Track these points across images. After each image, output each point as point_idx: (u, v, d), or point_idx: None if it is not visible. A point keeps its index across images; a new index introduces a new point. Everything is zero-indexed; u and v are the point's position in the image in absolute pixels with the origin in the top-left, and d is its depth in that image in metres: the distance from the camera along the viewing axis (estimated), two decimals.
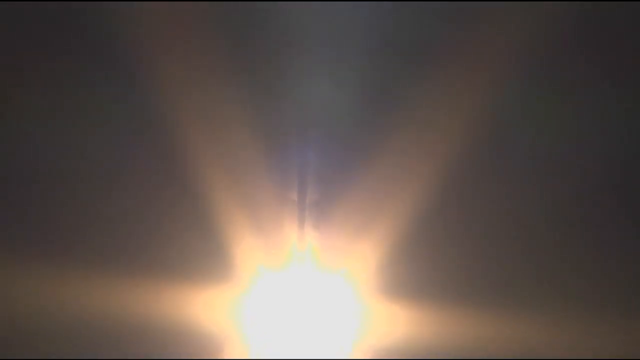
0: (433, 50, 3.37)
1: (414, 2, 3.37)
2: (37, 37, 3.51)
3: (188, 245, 3.39)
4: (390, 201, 3.31)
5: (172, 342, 3.37)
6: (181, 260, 3.39)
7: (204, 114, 3.39)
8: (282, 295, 3.34)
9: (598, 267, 3.44)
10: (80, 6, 3.46)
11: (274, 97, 3.42)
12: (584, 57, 3.43)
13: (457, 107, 3.33)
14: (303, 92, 3.41)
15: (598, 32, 3.42)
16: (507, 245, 3.41)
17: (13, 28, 3.49)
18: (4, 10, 3.51)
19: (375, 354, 3.33)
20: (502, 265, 3.41)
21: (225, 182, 3.36)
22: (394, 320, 3.30)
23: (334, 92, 3.41)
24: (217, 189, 3.36)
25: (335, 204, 3.36)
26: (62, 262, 3.44)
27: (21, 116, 3.51)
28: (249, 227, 3.35)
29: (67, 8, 3.47)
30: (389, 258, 3.31)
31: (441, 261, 3.35)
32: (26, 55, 3.50)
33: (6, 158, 3.51)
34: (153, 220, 3.45)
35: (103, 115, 3.49)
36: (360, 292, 3.34)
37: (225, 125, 3.39)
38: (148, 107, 3.42)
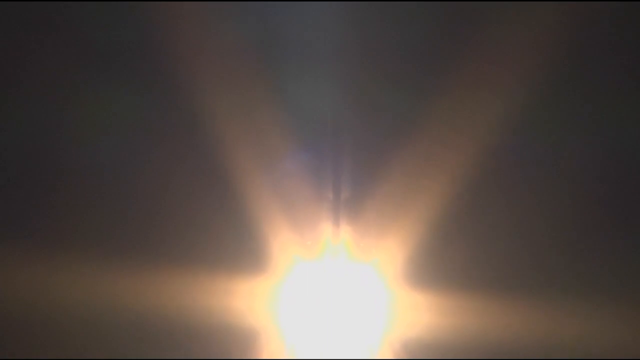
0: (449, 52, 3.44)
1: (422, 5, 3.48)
2: (62, 35, 3.56)
3: (226, 238, 3.45)
4: (418, 197, 3.38)
5: (208, 332, 3.43)
6: (219, 252, 3.45)
7: (241, 114, 3.47)
8: (317, 285, 3.44)
9: (624, 260, 3.46)
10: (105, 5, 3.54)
11: (308, 102, 3.52)
12: (599, 64, 3.48)
13: (479, 106, 3.40)
14: (336, 96, 3.52)
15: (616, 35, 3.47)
16: (533, 237, 3.45)
17: (37, 27, 3.56)
18: (27, 6, 3.57)
19: (403, 342, 3.41)
20: (530, 256, 3.45)
21: (263, 179, 3.45)
22: (421, 309, 3.39)
23: (365, 95, 3.51)
24: (255, 185, 3.44)
25: (367, 201, 3.45)
26: (99, 254, 3.46)
27: (55, 113, 3.57)
28: (286, 222, 3.44)
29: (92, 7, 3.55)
30: (416, 251, 3.39)
31: (468, 253, 3.41)
32: (53, 53, 3.55)
33: (40, 152, 3.56)
34: (190, 214, 3.50)
35: (143, 116, 3.56)
36: (390, 282, 3.43)
37: (262, 126, 3.48)
38: (187, 107, 3.47)
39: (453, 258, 3.42)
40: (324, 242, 3.48)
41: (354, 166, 3.50)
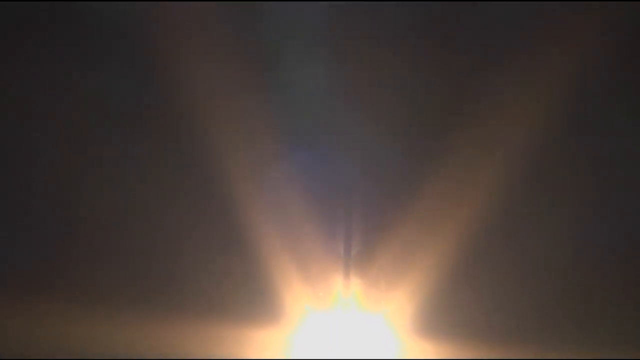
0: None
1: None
2: (63, 39, 3.62)
3: (239, 289, 3.52)
4: (425, 251, 3.48)
5: None
6: (232, 303, 3.52)
7: (256, 171, 3.58)
8: (328, 335, 3.52)
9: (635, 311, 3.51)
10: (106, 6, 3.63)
11: (319, 164, 3.64)
12: (600, 113, 3.58)
13: (491, 156, 3.50)
14: (346, 159, 3.65)
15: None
16: (540, 288, 3.52)
17: (44, 28, 3.63)
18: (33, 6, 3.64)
19: None
20: (537, 308, 3.50)
21: (276, 233, 3.54)
22: (430, 358, 3.46)
23: (374, 158, 3.63)
24: (268, 238, 3.53)
25: (376, 256, 3.55)
26: (111, 307, 3.50)
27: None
28: (298, 275, 3.53)
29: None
30: (424, 302, 3.48)
31: (475, 304, 3.49)
32: (53, 57, 3.61)
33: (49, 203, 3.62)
34: (204, 265, 3.56)
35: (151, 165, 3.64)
36: (399, 332, 3.51)
37: (277, 183, 3.60)
38: (201, 162, 3.56)
39: (460, 308, 3.50)
40: (335, 294, 3.57)
41: (363, 223, 3.61)
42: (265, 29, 3.68)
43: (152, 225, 3.59)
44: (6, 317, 3.47)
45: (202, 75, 3.59)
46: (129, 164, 3.63)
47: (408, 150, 3.61)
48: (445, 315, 3.50)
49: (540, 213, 3.59)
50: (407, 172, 3.59)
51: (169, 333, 3.48)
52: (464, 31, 3.62)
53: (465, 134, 3.54)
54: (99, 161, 3.64)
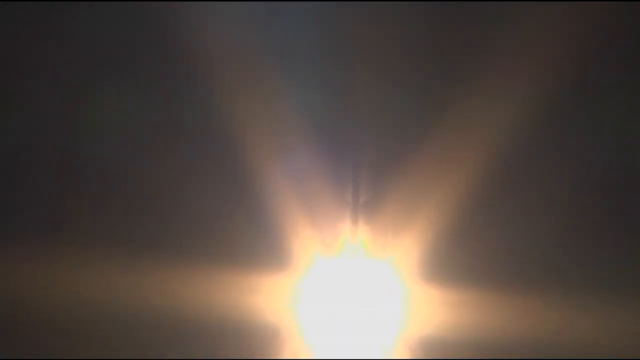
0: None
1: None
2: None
3: (247, 236, 3.55)
4: (431, 198, 3.51)
5: (229, 329, 3.51)
6: (240, 250, 3.54)
7: (263, 117, 3.59)
8: (335, 281, 3.57)
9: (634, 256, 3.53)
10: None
11: (327, 110, 3.66)
12: (606, 70, 3.59)
13: (496, 102, 3.51)
14: (355, 105, 3.67)
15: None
16: (546, 233, 3.55)
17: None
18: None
19: (419, 336, 3.52)
20: (543, 253, 3.54)
21: (284, 181, 3.57)
22: (436, 304, 3.50)
23: (382, 104, 3.64)
24: (276, 186, 3.56)
25: (383, 202, 3.59)
26: (120, 253, 3.52)
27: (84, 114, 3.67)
28: (306, 221, 3.56)
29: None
30: (431, 248, 3.51)
31: (481, 250, 3.51)
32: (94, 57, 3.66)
33: (55, 147, 3.64)
34: (211, 212, 3.59)
35: (169, 114, 3.66)
36: (406, 278, 3.55)
37: (284, 132, 3.62)
38: (208, 108, 3.59)
39: (466, 254, 3.53)
40: (342, 240, 3.61)
41: (370, 170, 3.65)
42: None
43: (159, 170, 3.63)
44: (14, 264, 3.51)
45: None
46: (131, 108, 3.66)
47: (414, 99, 3.62)
48: (451, 261, 3.53)
49: (544, 157, 3.61)
50: (414, 120, 3.61)
51: (176, 278, 3.52)
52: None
53: (470, 82, 3.55)
54: (102, 105, 3.67)
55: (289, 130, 3.62)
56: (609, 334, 3.44)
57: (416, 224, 3.55)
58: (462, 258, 3.54)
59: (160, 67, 3.66)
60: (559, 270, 3.54)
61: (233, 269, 3.54)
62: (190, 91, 3.63)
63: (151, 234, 3.58)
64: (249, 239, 3.58)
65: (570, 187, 3.60)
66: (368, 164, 3.65)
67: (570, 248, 3.56)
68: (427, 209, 3.54)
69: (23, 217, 3.62)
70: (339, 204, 3.63)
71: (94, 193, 3.62)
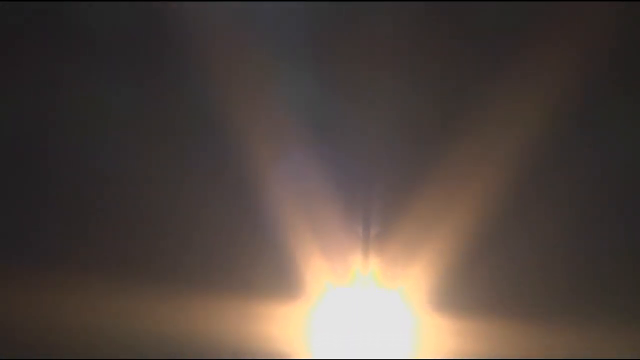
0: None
1: None
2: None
3: (261, 266, 3.61)
4: (440, 229, 3.57)
5: (243, 357, 3.55)
6: (254, 279, 3.60)
7: (278, 155, 3.67)
8: (347, 310, 3.64)
9: None
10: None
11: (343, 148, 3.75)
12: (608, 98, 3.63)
13: (505, 138, 3.57)
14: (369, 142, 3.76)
15: None
16: (553, 263, 3.60)
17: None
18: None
19: None
20: (551, 284, 3.59)
21: (299, 212, 3.65)
22: (445, 333, 3.57)
23: (392, 143, 3.74)
24: (291, 217, 3.64)
25: (393, 234, 3.65)
26: (134, 282, 3.55)
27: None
28: (319, 252, 3.64)
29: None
30: (440, 278, 3.58)
31: (489, 280, 3.58)
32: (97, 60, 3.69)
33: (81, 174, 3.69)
34: (225, 241, 3.64)
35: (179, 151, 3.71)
36: (415, 308, 3.62)
37: (300, 168, 3.70)
38: (224, 148, 3.64)
39: (474, 285, 3.60)
40: (354, 270, 3.68)
41: (381, 202, 3.72)
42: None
43: (174, 201, 3.68)
44: (31, 291, 3.56)
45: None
46: (146, 137, 3.72)
47: (425, 131, 3.71)
48: (459, 291, 3.60)
49: (556, 191, 3.66)
50: (424, 153, 3.70)
51: (189, 307, 3.57)
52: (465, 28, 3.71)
53: (481, 114, 3.63)
54: (119, 136, 3.73)
55: (303, 163, 3.70)
56: None
57: (425, 255, 3.62)
58: (470, 288, 3.61)
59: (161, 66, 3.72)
60: (567, 299, 3.59)
61: (247, 298, 3.60)
62: (205, 119, 3.70)
63: (165, 263, 3.63)
64: (262, 268, 3.64)
65: (579, 219, 3.66)
66: (378, 195, 3.74)
67: (578, 279, 3.61)
68: (436, 240, 3.61)
69: (27, 244, 3.67)
70: (350, 235, 3.71)
71: (106, 224, 3.68)
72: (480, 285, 3.61)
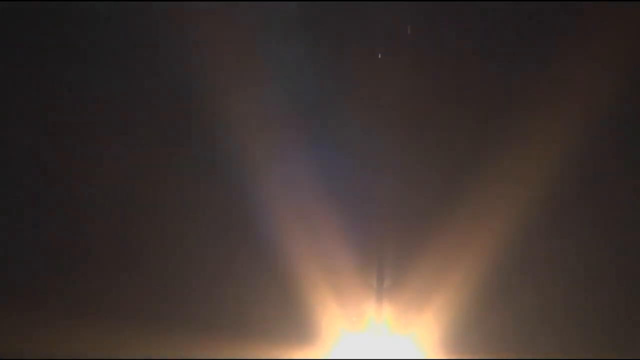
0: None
1: None
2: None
3: (279, 313, 3.72)
4: (450, 278, 3.71)
5: None
6: (272, 326, 3.70)
7: (290, 197, 3.80)
8: (361, 355, 3.75)
9: None
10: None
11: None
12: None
13: (514, 193, 3.69)
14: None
15: None
16: (569, 309, 3.70)
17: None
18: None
19: None
20: (563, 328, 3.68)
21: (313, 262, 3.76)
22: None
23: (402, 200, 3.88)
24: (306, 266, 3.75)
25: (406, 284, 3.78)
26: (150, 328, 3.63)
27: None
28: (334, 300, 3.76)
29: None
30: (451, 324, 3.70)
31: (498, 323, 3.69)
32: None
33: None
34: (243, 288, 3.73)
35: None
36: (427, 353, 3.74)
37: (313, 214, 3.82)
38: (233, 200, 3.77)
39: (484, 329, 3.70)
40: (367, 317, 3.81)
41: (393, 253, 3.86)
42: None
43: (188, 251, 3.78)
44: (27, 325, 3.61)
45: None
46: (145, 172, 3.79)
47: (436, 185, 3.86)
48: (469, 336, 3.71)
49: (561, 244, 3.78)
50: (434, 207, 3.84)
51: (206, 353, 3.65)
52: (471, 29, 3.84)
53: (491, 170, 3.76)
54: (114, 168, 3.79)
55: (317, 212, 3.84)
56: None
57: (436, 303, 3.74)
58: (478, 333, 3.71)
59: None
60: (577, 341, 3.67)
61: (263, 344, 3.70)
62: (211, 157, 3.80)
63: (179, 311, 3.71)
64: (279, 315, 3.75)
65: (587, 261, 3.77)
66: (391, 247, 3.88)
67: (582, 325, 3.71)
68: (446, 289, 3.74)
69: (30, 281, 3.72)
70: (364, 284, 3.85)
71: (116, 269, 3.75)
72: (489, 331, 3.71)
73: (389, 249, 3.87)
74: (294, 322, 3.74)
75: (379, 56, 3.82)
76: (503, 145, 3.76)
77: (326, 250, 3.83)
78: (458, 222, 3.77)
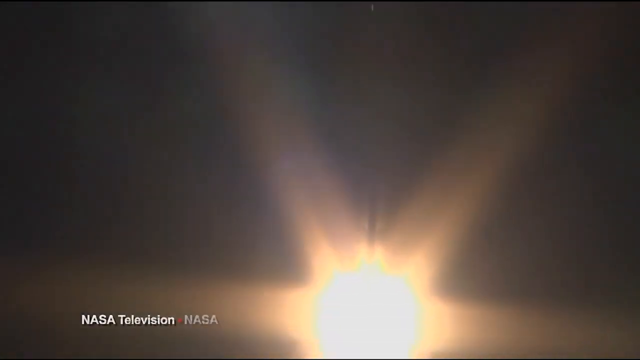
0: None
1: None
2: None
3: (271, 254, 3.71)
4: (443, 217, 3.69)
5: (250, 342, 3.63)
6: (263, 266, 3.70)
7: (289, 146, 3.78)
8: (352, 296, 3.76)
9: None
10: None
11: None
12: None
13: (504, 134, 3.68)
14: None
15: None
16: (555, 249, 3.68)
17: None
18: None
19: (432, 350, 3.70)
20: (555, 269, 3.67)
21: (306, 203, 3.75)
22: (448, 319, 3.68)
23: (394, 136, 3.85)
24: (300, 207, 3.75)
25: (398, 225, 3.77)
26: (147, 271, 3.62)
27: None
28: (326, 241, 3.75)
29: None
30: (443, 265, 3.69)
31: (491, 266, 3.68)
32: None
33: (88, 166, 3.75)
34: (236, 231, 3.71)
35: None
36: (418, 294, 3.73)
37: (308, 162, 3.80)
38: (233, 142, 3.73)
39: (475, 271, 3.70)
40: (359, 258, 3.80)
41: (385, 194, 3.84)
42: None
43: (182, 192, 3.76)
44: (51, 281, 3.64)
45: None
46: (154, 130, 3.80)
47: (426, 128, 3.83)
48: (461, 278, 3.71)
49: (552, 185, 3.76)
50: (426, 148, 3.82)
51: (196, 294, 3.66)
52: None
53: (481, 111, 3.75)
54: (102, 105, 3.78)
55: (310, 155, 3.82)
56: (617, 349, 3.58)
57: (427, 244, 3.74)
58: (470, 276, 3.71)
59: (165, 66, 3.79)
60: (563, 287, 3.68)
61: (255, 285, 3.71)
62: (212, 110, 3.78)
63: (173, 254, 3.69)
64: (271, 257, 3.75)
65: (577, 207, 3.75)
66: (383, 189, 3.85)
67: (574, 268, 3.71)
68: (437, 230, 3.73)
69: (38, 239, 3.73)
70: (356, 224, 3.83)
71: (115, 213, 3.75)
72: (480, 273, 3.71)
73: (381, 191, 3.86)
74: (286, 263, 3.74)
75: (372, 8, 3.75)
76: (497, 88, 3.73)
77: (318, 192, 3.81)
78: (451, 165, 3.76)
